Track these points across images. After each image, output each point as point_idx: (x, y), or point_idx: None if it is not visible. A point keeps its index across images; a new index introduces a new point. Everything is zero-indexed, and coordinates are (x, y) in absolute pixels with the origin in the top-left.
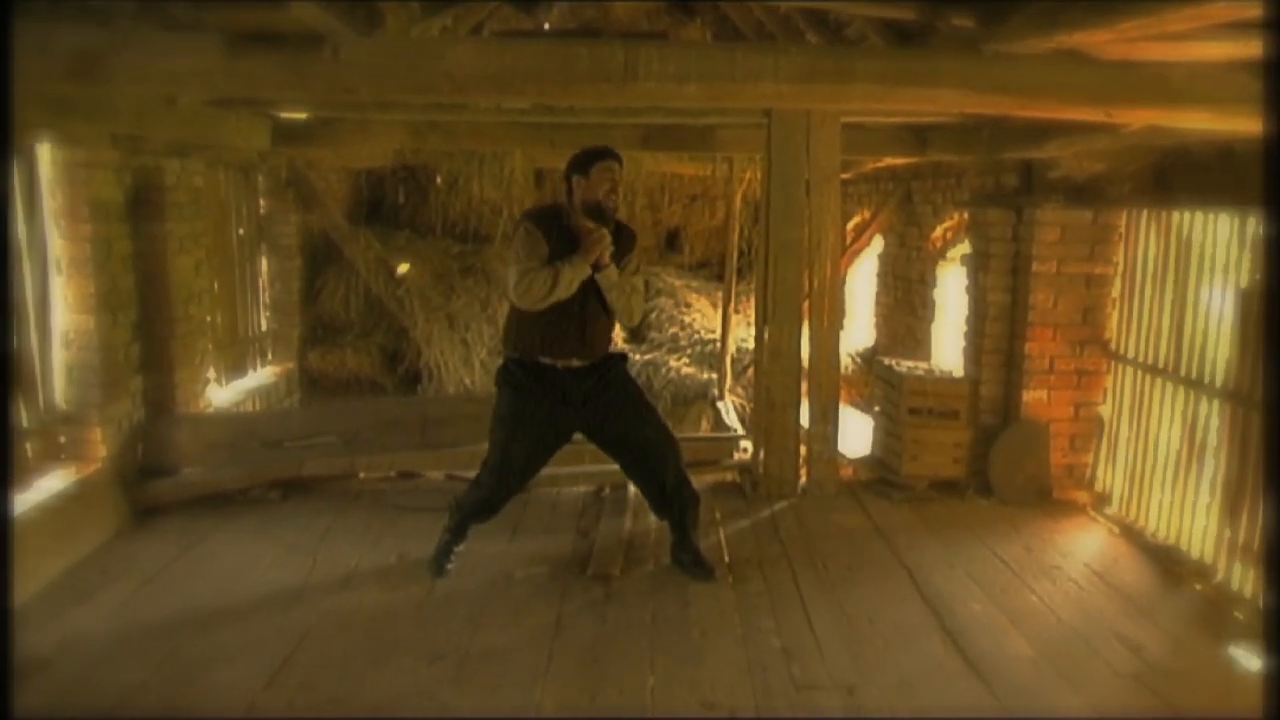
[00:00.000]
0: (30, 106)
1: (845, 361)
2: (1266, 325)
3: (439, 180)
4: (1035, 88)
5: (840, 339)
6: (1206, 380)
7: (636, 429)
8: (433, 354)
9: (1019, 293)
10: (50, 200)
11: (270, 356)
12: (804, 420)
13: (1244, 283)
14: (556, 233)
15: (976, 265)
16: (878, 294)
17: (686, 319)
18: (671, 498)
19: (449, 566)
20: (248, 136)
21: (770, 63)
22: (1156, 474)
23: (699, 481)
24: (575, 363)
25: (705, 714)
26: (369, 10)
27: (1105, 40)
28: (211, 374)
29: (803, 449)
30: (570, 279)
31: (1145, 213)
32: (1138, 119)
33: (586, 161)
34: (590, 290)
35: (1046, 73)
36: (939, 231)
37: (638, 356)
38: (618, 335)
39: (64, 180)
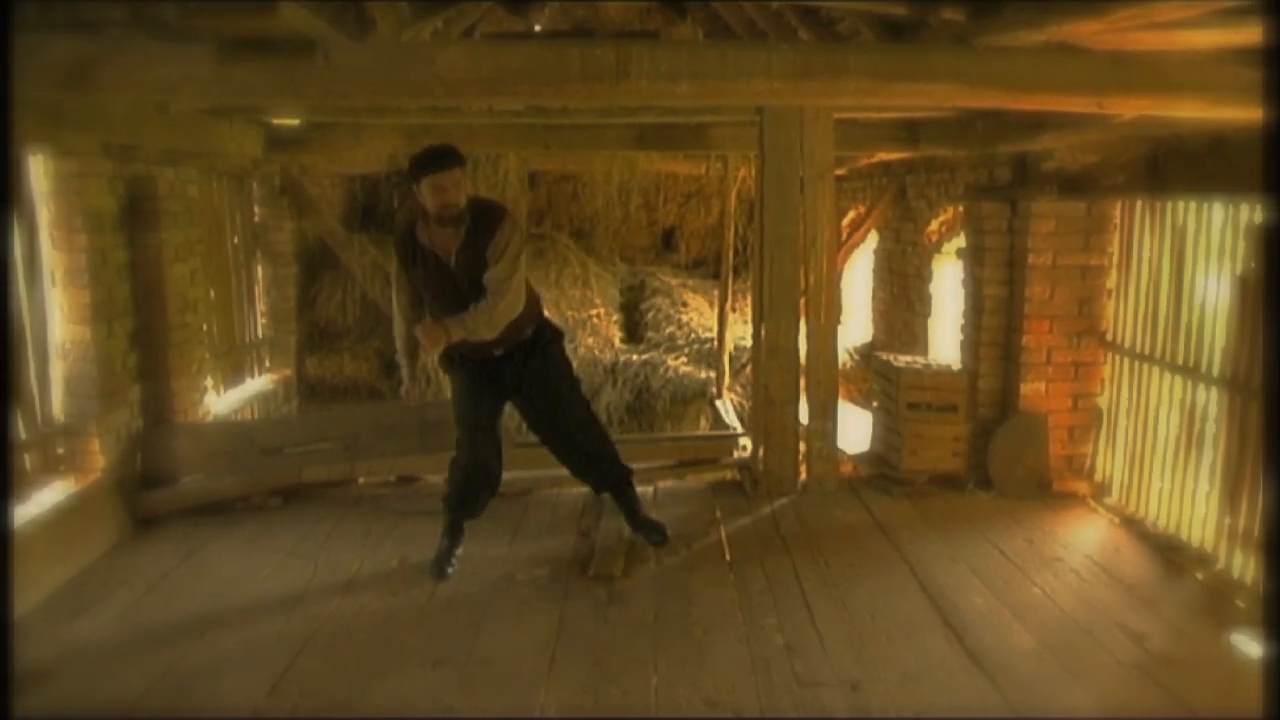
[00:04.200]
0: (23, 116)
1: (843, 357)
2: (1264, 312)
3: None
4: (1028, 80)
5: (838, 335)
6: (1204, 368)
7: (553, 400)
8: (430, 358)
9: (1015, 285)
10: (44, 211)
11: (267, 363)
12: (803, 417)
13: (1239, 270)
14: (410, 244)
15: (972, 259)
16: (874, 289)
17: (683, 318)
18: (605, 471)
19: (450, 570)
20: (241, 144)
21: (762, 59)
22: (1156, 463)
23: (700, 481)
24: (496, 352)
25: (709, 713)
26: (359, 14)
27: (1096, 31)
28: (209, 382)
29: (802, 446)
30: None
31: (1139, 203)
32: (1130, 109)
33: (418, 172)
34: (477, 286)
35: (1039, 65)
36: (934, 226)
37: (635, 357)
38: (617, 334)
39: (57, 191)
